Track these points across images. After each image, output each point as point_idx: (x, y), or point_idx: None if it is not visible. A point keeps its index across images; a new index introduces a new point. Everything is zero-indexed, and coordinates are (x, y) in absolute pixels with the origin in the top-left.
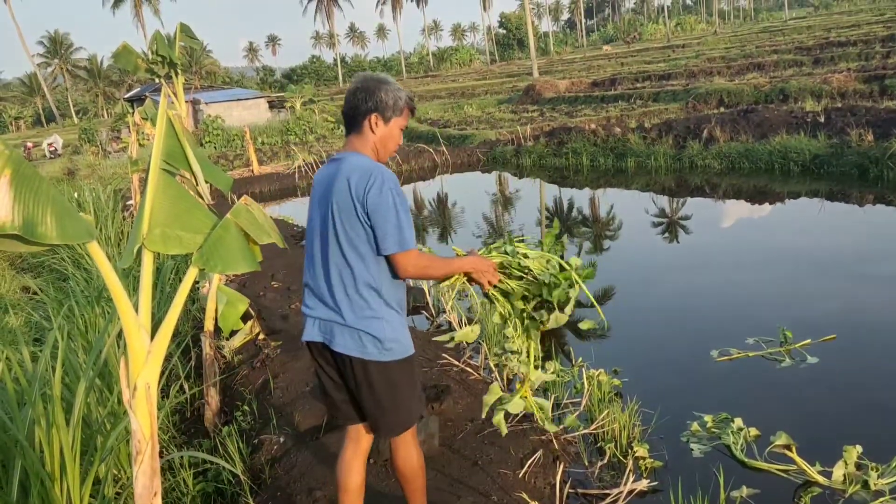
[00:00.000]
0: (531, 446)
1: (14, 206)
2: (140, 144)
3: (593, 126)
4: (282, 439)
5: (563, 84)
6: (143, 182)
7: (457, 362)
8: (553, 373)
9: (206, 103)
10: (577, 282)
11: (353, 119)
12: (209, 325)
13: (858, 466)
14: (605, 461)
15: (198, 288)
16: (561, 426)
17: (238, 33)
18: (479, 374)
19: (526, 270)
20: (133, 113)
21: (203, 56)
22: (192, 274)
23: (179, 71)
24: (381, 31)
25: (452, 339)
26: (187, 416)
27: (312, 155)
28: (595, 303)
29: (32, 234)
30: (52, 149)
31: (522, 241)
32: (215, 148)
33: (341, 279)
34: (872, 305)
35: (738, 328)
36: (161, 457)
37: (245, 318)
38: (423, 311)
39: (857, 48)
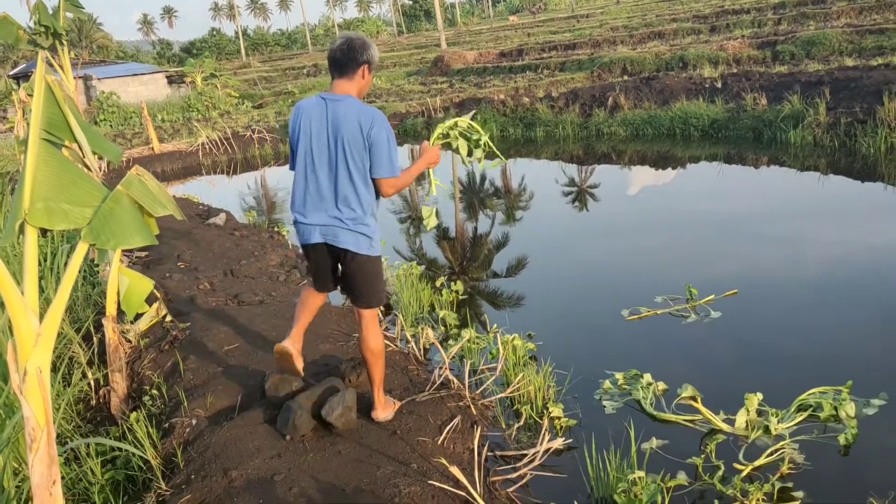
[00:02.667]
0: (448, 413)
1: None
2: (27, 123)
3: (502, 96)
4: (194, 421)
5: (471, 55)
6: (24, 155)
7: None
8: (469, 340)
9: (99, 79)
10: (483, 138)
11: (345, 66)
12: (111, 308)
13: (759, 413)
14: (522, 423)
15: (97, 272)
16: (477, 391)
17: (131, 5)
18: (396, 346)
19: (457, 128)
20: (18, 90)
21: (93, 29)
22: (81, 250)
23: (65, 42)
24: (284, 2)
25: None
26: (92, 405)
27: (216, 132)
28: (496, 151)
29: None
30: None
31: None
32: (111, 126)
33: (346, 195)
34: (770, 261)
35: (647, 288)
36: (64, 445)
37: (151, 300)
38: None
39: (750, 16)
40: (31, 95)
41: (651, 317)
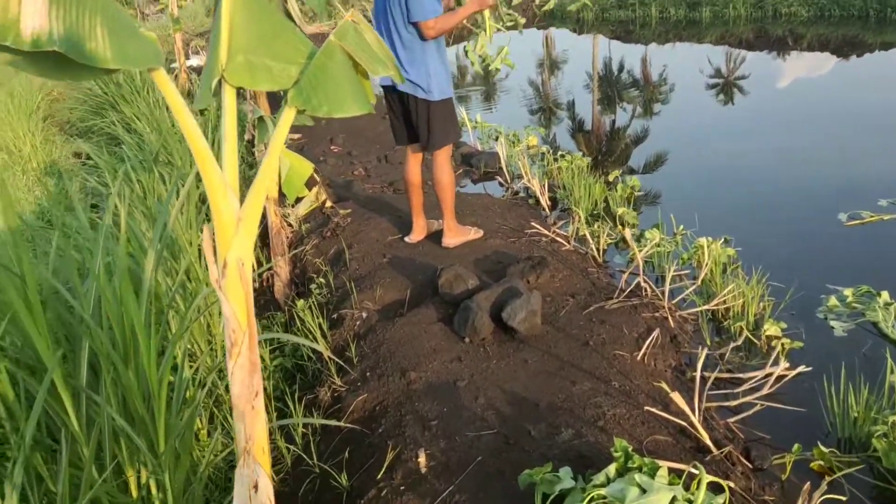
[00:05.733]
0: (644, 324)
1: (51, 10)
2: (179, 4)
3: None
4: (364, 314)
5: None
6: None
7: (546, 231)
8: (658, 243)
9: None
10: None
11: None
12: (272, 190)
13: None
14: (737, 342)
15: (253, 151)
16: (674, 301)
17: None
18: (571, 244)
19: None
20: None
21: None
22: (288, 117)
23: None
24: None
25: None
26: (255, 288)
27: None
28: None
29: (80, 52)
30: None
31: None
32: None
33: (397, 45)
34: None
35: (865, 189)
36: None
37: (310, 185)
38: (497, 177)
39: None
40: None
41: (876, 223)
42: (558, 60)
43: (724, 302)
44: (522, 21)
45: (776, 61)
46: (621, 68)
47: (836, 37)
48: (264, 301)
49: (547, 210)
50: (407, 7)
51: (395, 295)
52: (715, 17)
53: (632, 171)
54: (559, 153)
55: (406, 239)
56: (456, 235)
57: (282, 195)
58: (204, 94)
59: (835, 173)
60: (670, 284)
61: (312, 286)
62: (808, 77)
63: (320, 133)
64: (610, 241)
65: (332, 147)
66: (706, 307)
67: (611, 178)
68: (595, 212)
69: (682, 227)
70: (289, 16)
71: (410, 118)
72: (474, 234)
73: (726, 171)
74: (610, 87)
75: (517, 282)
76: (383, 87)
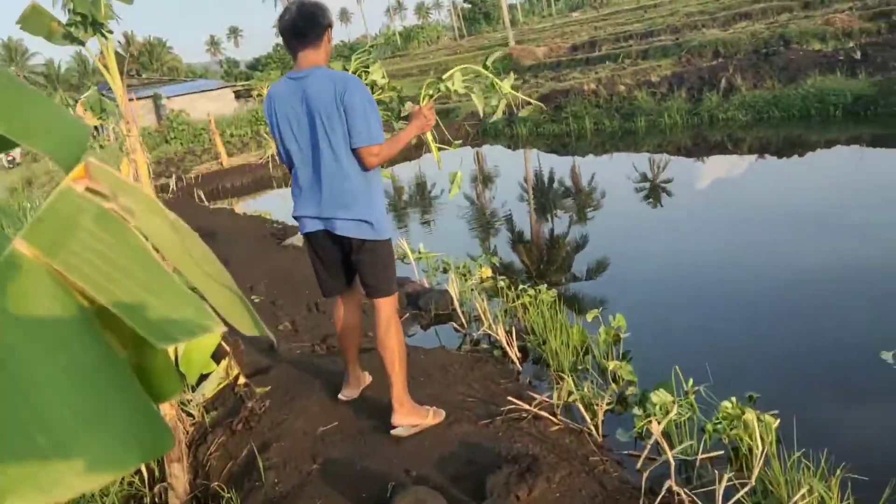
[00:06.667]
0: None
1: None
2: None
3: (593, 86)
4: None
5: (540, 51)
6: None
7: (526, 405)
8: (663, 407)
9: (168, 97)
10: (494, 81)
11: (308, 33)
12: None
13: None
14: None
15: None
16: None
17: (199, 28)
18: (558, 419)
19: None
20: (75, 104)
21: (164, 52)
22: None
23: (108, 35)
24: (344, 15)
25: None
26: None
27: None
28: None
29: None
30: (10, 157)
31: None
32: (181, 144)
33: (336, 177)
34: None
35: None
36: None
37: (219, 356)
38: (452, 322)
39: None
40: (87, 110)
41: None
42: (497, 174)
43: None
44: (458, 143)
45: (709, 166)
46: (552, 179)
47: (781, 137)
48: None
49: (517, 364)
50: (349, 130)
51: None
52: (651, 126)
53: (575, 279)
54: (520, 287)
55: (341, 396)
56: (409, 414)
57: (181, 374)
58: None
59: (852, 299)
60: (699, 472)
61: None
62: (752, 178)
63: (241, 281)
64: (606, 407)
65: (252, 297)
66: None
67: (590, 318)
68: (580, 367)
69: (690, 381)
70: None
71: (344, 265)
72: (433, 417)
73: (734, 296)
74: (544, 196)
75: None
76: (308, 234)
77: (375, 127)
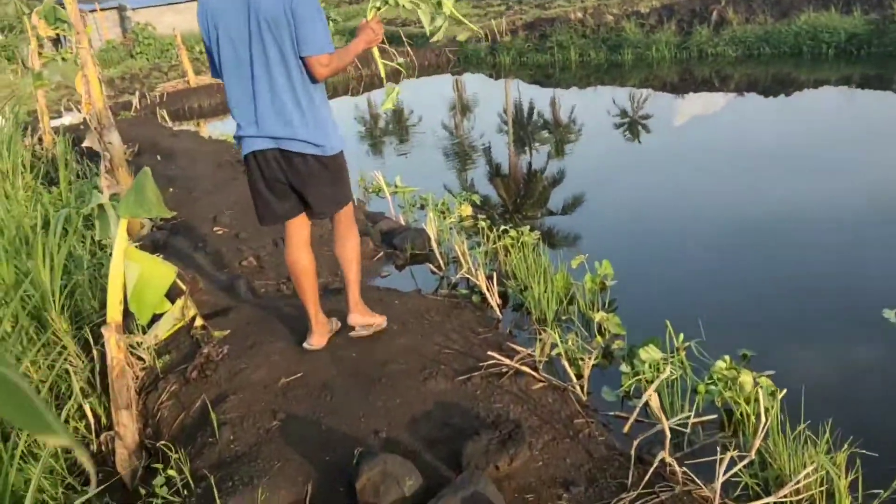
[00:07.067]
0: None
1: None
2: (39, 54)
3: (579, 15)
4: None
5: None
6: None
7: (507, 360)
8: (655, 367)
9: (133, 9)
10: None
11: None
12: (113, 311)
13: None
14: None
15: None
16: (717, 483)
17: None
18: (540, 374)
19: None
20: (30, 14)
21: None
22: None
23: None
24: None
25: None
26: (92, 454)
27: None
28: (461, 18)
29: None
30: None
31: None
32: (147, 59)
33: (283, 90)
34: None
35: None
36: None
37: (173, 294)
38: (429, 263)
39: None
40: (42, 20)
41: None
42: (476, 103)
43: (798, 492)
44: (400, 61)
45: (695, 102)
46: (531, 111)
47: (772, 75)
48: (104, 474)
49: (497, 311)
50: (297, 38)
51: (289, 497)
52: (638, 59)
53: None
54: (502, 228)
55: (306, 345)
56: (364, 314)
57: (131, 313)
58: None
59: (852, 253)
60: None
61: (156, 483)
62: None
63: (203, 210)
64: (592, 362)
65: (215, 228)
66: (773, 500)
67: (575, 264)
68: (564, 317)
69: (681, 336)
70: None
71: (292, 185)
72: (380, 320)
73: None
74: (523, 130)
75: (482, 480)
76: (249, 153)
77: (324, 36)
